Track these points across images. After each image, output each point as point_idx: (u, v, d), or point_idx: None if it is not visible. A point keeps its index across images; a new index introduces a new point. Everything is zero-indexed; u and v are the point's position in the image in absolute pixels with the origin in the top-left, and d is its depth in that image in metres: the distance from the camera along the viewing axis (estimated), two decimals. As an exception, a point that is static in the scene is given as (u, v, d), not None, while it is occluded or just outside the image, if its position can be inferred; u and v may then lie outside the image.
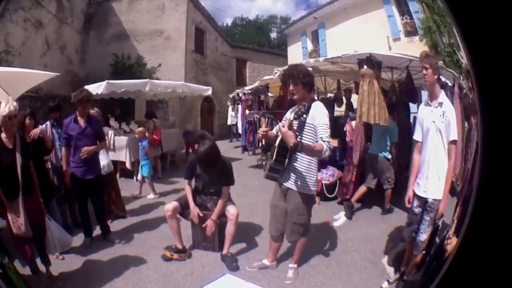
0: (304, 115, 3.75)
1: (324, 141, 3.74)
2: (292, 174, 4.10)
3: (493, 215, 1.73)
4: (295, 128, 3.80)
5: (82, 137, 5.17)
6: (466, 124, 4.04)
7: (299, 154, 3.98)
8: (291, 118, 3.66)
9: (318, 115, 3.86)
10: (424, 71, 3.80)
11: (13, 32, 10.59)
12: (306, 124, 3.91)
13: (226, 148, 13.53)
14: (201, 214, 4.92)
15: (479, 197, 1.78)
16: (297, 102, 4.16)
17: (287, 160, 3.95)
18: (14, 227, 3.71)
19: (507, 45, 1.55)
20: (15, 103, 3.83)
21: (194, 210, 4.91)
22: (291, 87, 4.06)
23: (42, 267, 4.15)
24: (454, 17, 1.64)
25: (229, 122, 16.44)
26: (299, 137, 3.81)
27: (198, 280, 4.34)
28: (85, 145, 5.13)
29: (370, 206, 7.03)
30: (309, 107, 3.66)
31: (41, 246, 4.12)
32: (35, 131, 4.76)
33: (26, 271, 3.95)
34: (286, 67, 4.41)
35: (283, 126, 3.64)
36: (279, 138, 3.90)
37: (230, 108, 16.43)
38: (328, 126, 3.87)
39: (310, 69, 7.88)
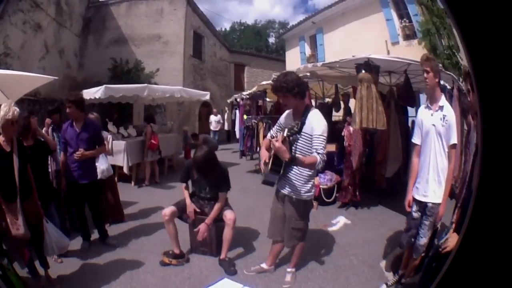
0: (297, 134, 3.74)
1: (318, 153, 3.74)
2: (288, 181, 4.10)
3: (492, 218, 1.73)
4: (290, 139, 3.81)
5: (77, 141, 5.12)
6: (465, 126, 4.04)
7: None
8: (285, 135, 3.63)
9: (316, 126, 3.82)
10: (425, 75, 3.78)
11: (12, 34, 10.62)
12: (303, 134, 3.89)
13: (223, 152, 13.57)
14: (197, 210, 4.94)
15: (478, 199, 1.78)
16: (293, 110, 4.16)
17: (282, 169, 3.95)
18: (12, 230, 3.70)
19: (507, 46, 1.55)
20: (17, 109, 3.84)
21: (191, 205, 4.93)
22: (281, 100, 4.06)
23: (41, 270, 4.15)
24: (454, 18, 1.64)
25: (212, 128, 15.60)
26: (293, 146, 3.87)
27: (196, 284, 4.35)
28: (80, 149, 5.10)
29: (368, 209, 7.05)
30: (302, 126, 3.63)
31: (39, 249, 4.11)
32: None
33: (25, 273, 3.95)
34: (275, 77, 4.31)
35: (276, 141, 3.62)
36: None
37: (214, 114, 15.97)
38: (325, 138, 3.85)
39: (307, 74, 8.02)
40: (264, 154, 4.11)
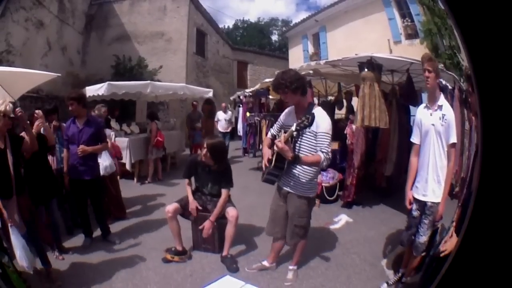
0: (308, 128, 3.71)
1: (322, 151, 3.75)
2: (291, 178, 4.09)
3: (492, 217, 1.73)
4: (295, 135, 3.83)
5: (79, 137, 5.17)
6: (466, 127, 4.03)
7: None
8: (293, 129, 3.61)
9: (321, 123, 3.82)
10: (427, 74, 3.76)
11: (14, 32, 10.60)
12: (307, 131, 3.87)
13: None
14: (199, 207, 4.94)
15: (478, 199, 1.78)
16: (295, 107, 4.16)
17: (285, 166, 3.95)
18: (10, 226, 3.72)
19: (507, 47, 1.55)
20: (10, 104, 3.86)
21: (193, 202, 4.93)
22: (283, 97, 4.06)
23: (41, 266, 4.17)
24: (455, 19, 1.65)
25: (220, 128, 12.57)
26: (297, 144, 3.89)
27: (198, 281, 4.36)
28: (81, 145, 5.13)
29: (370, 208, 7.05)
30: (313, 119, 3.56)
31: (37, 243, 4.13)
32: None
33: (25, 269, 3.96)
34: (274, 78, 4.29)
35: (279, 141, 3.67)
36: None
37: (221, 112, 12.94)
38: (330, 135, 3.86)
39: (310, 72, 8.01)
40: (266, 153, 4.13)
